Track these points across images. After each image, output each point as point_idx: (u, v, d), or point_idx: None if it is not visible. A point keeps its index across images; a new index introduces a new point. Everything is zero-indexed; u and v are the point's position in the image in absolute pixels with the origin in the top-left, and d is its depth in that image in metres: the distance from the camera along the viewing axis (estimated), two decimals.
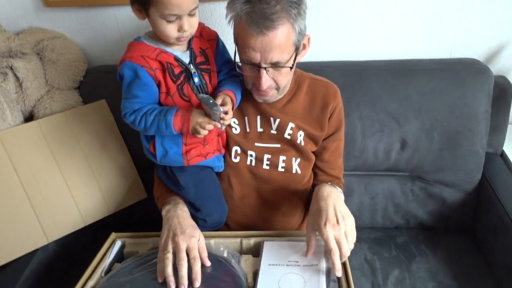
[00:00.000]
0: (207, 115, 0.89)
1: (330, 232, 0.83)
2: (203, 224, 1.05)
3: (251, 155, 1.06)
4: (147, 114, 0.91)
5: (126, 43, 0.94)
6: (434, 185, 1.31)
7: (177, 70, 0.92)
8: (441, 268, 1.20)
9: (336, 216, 0.86)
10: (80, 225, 1.22)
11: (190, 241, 0.86)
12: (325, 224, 0.84)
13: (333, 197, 0.92)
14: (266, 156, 1.05)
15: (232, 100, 0.95)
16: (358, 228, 1.36)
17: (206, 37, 0.99)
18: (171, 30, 0.87)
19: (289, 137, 1.04)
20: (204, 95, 0.89)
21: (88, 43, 1.40)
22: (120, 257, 0.99)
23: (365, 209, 1.36)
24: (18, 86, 1.26)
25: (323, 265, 0.86)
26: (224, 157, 1.08)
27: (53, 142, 1.21)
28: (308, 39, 0.98)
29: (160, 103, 0.95)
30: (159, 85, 0.92)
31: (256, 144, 1.06)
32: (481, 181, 1.29)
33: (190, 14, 0.86)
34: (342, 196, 1.00)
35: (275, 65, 0.89)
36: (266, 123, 1.05)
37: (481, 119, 1.24)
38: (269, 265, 0.89)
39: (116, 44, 1.40)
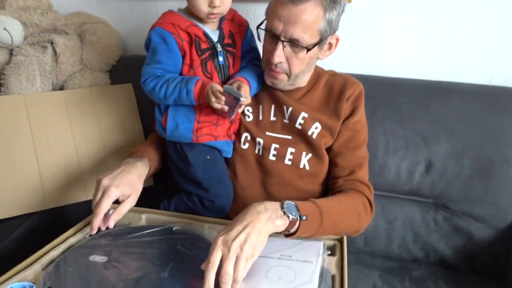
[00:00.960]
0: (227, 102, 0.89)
1: (219, 243, 0.67)
2: (210, 206, 1.01)
3: (259, 143, 1.02)
4: (169, 81, 0.92)
5: None
6: (461, 217, 1.18)
7: (203, 46, 0.94)
8: None
9: (238, 235, 0.67)
10: (82, 198, 1.20)
11: (109, 190, 0.84)
12: (221, 234, 0.68)
13: (257, 219, 0.70)
14: (274, 145, 1.01)
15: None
16: (370, 254, 1.27)
17: (237, 23, 1.01)
18: (202, 3, 0.89)
19: (299, 127, 1.00)
20: (229, 86, 0.91)
21: (128, 33, 1.47)
22: None
23: (380, 234, 1.24)
24: (54, 61, 1.32)
25: (319, 264, 0.78)
26: (233, 143, 1.05)
27: (74, 114, 1.23)
28: (337, 40, 0.97)
29: (181, 75, 0.96)
30: (184, 56, 0.94)
31: (267, 133, 1.02)
32: None
33: None
34: (277, 224, 0.73)
35: (294, 42, 0.88)
36: (279, 112, 1.02)
37: None
38: (259, 256, 0.81)
39: None
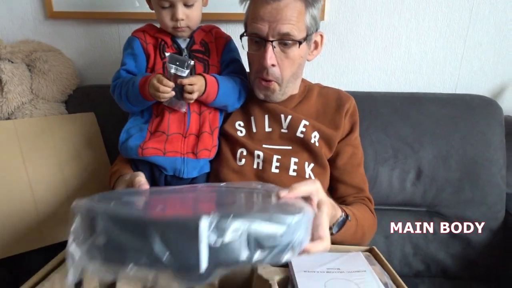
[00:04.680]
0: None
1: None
2: None
3: (258, 157, 0.93)
4: (124, 80, 0.89)
5: None
6: (455, 222, 1.16)
7: (169, 50, 0.91)
8: None
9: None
10: (38, 244, 0.98)
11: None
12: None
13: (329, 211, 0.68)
14: (276, 157, 0.93)
15: (206, 81, 0.84)
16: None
17: (215, 35, 0.97)
18: (165, 17, 0.89)
19: (301, 135, 0.93)
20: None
21: (84, 61, 1.34)
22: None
23: (380, 249, 1.16)
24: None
25: (372, 272, 0.69)
26: (226, 162, 0.94)
27: (27, 145, 1.05)
28: (321, 37, 0.95)
29: None
30: (148, 60, 0.92)
31: (264, 145, 0.95)
32: (506, 218, 1.16)
33: (186, 5, 0.88)
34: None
35: (283, 38, 0.85)
36: (275, 121, 0.96)
37: (498, 149, 1.17)
38: (305, 271, 0.69)
39: (115, 65, 1.33)
